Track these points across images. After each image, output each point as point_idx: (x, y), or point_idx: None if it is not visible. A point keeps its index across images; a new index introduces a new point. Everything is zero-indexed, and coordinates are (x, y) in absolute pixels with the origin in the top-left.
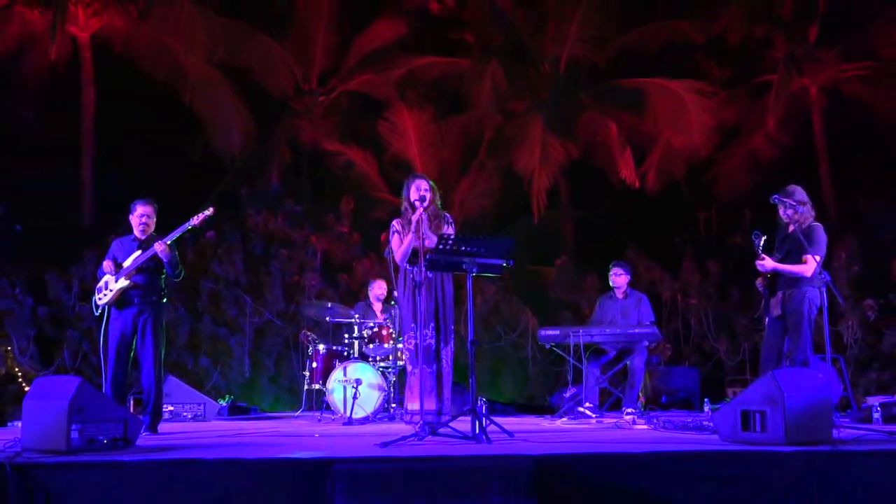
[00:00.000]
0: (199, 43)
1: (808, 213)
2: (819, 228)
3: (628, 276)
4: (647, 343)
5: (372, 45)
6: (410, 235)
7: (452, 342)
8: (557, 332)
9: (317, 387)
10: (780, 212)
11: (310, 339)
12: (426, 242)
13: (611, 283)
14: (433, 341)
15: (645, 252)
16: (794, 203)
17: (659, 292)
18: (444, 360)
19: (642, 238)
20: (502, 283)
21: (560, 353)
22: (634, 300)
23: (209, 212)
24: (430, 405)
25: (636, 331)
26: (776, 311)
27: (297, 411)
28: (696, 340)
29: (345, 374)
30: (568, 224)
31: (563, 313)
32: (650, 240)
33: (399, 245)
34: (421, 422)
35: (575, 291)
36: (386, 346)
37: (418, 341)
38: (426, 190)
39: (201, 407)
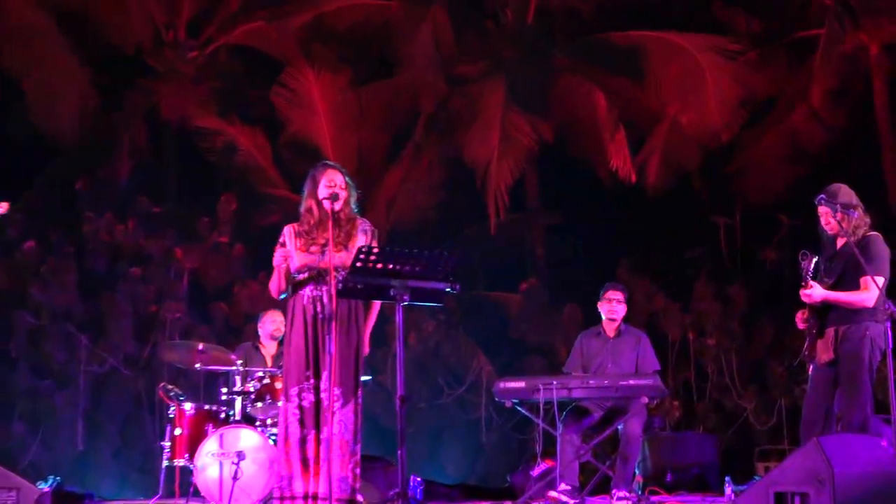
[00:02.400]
0: None
1: (861, 221)
2: (877, 240)
3: (625, 306)
4: (647, 400)
5: None
6: (296, 256)
7: (359, 401)
8: (522, 385)
9: (181, 463)
10: (822, 222)
11: (171, 394)
12: (337, 258)
13: (601, 315)
14: (324, 396)
15: (644, 273)
16: (840, 207)
17: (663, 328)
18: (339, 424)
19: (640, 253)
20: (445, 317)
21: (525, 413)
22: (631, 340)
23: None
24: (306, 486)
25: (632, 382)
26: (825, 356)
27: (151, 499)
28: (715, 396)
29: (221, 446)
30: (538, 234)
31: (531, 358)
32: (651, 256)
33: (280, 263)
34: None
35: (547, 327)
36: (280, 404)
37: (301, 401)
38: (340, 186)
39: (13, 495)
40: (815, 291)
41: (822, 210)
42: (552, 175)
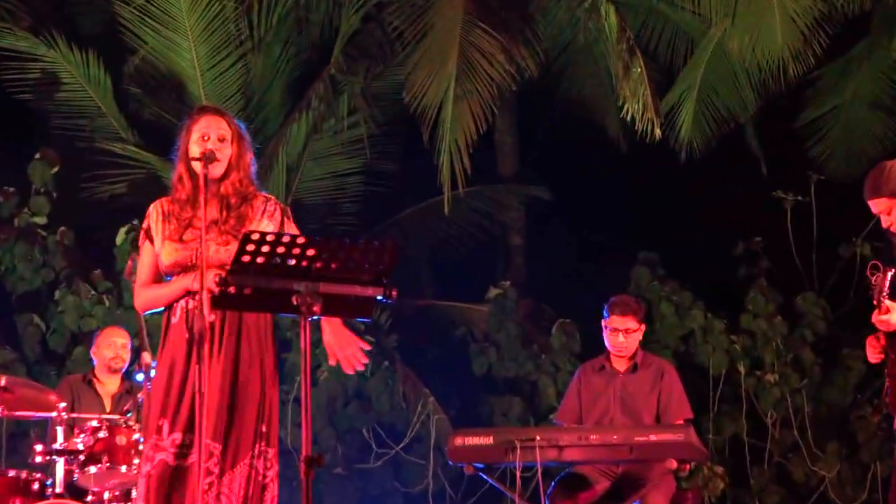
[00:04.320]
0: None
1: None
2: None
3: (642, 327)
4: (674, 465)
5: None
6: (164, 249)
7: (266, 463)
8: (489, 441)
9: None
10: (883, 223)
11: None
12: (217, 254)
13: (605, 342)
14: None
15: (672, 275)
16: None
17: (701, 358)
18: (223, 499)
19: (667, 246)
20: (376, 339)
21: (493, 484)
22: (651, 376)
23: None
24: None
25: (654, 438)
26: None
27: None
28: (778, 459)
29: None
30: (514, 216)
31: (503, 401)
32: (683, 250)
33: (147, 265)
34: None
35: (528, 354)
36: (125, 469)
37: (153, 463)
38: (220, 139)
39: None
40: (894, 315)
41: (875, 207)
42: (536, 127)
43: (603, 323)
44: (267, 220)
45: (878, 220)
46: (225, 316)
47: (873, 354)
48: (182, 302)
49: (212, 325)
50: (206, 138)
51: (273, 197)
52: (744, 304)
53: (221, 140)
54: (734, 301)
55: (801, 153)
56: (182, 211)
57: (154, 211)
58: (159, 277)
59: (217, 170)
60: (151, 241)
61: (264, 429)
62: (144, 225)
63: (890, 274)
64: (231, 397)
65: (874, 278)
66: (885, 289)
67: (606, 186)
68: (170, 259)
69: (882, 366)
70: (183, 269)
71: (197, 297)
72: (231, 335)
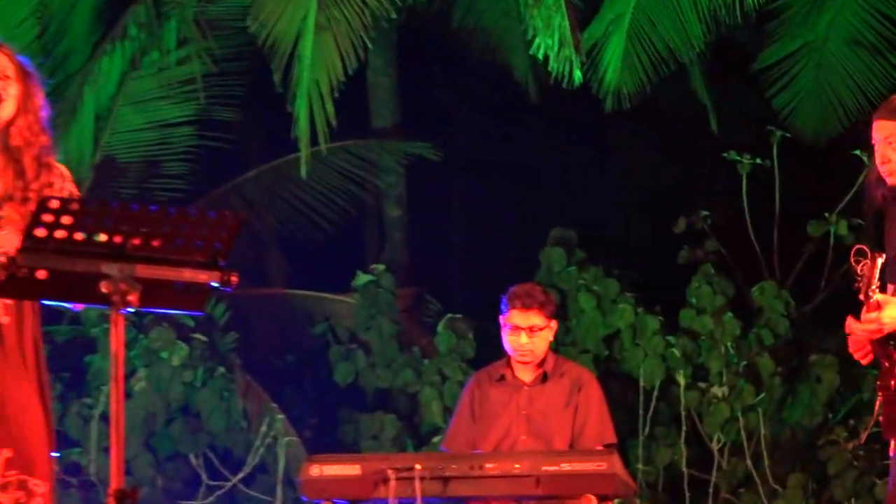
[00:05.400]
0: None
1: None
2: None
3: (551, 324)
4: (594, 502)
5: None
6: None
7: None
8: (356, 472)
9: None
10: (878, 158)
11: None
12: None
13: (505, 345)
14: None
15: (592, 258)
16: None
17: (628, 365)
18: None
19: (586, 222)
20: (207, 338)
21: None
22: (564, 388)
23: None
24: None
25: (568, 467)
26: None
27: None
28: (727, 495)
29: None
30: (391, 179)
31: (373, 418)
32: (606, 227)
33: None
34: None
35: (406, 359)
36: None
37: None
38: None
39: None
40: (889, 312)
41: (881, 130)
42: (420, 68)
43: (501, 319)
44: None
45: (856, 189)
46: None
47: (860, 354)
48: None
49: None
50: None
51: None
52: (685, 297)
53: (2, 77)
54: (673, 293)
55: (762, 104)
56: None
57: None
58: None
59: (6, 110)
60: None
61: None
62: None
63: (880, 261)
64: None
65: (860, 267)
66: (875, 280)
67: (511, 144)
68: None
69: (857, 377)
70: None
71: None
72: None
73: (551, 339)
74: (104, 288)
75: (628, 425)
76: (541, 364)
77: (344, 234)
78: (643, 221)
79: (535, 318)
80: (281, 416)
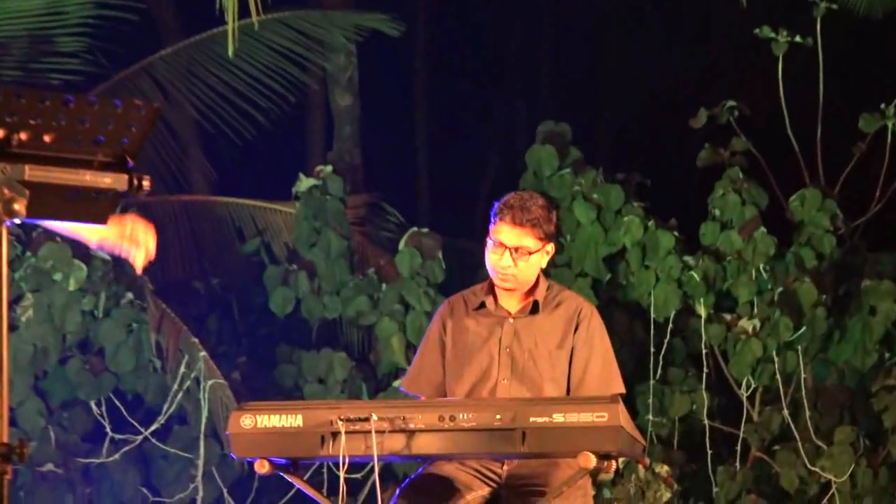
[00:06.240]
0: None
1: None
2: None
3: (545, 247)
4: (592, 461)
5: None
6: None
7: None
8: (296, 423)
9: None
10: None
11: None
12: None
13: (487, 265)
14: None
15: (591, 158)
16: None
17: (637, 292)
18: None
19: (583, 113)
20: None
21: (303, 491)
22: (560, 320)
23: None
24: None
25: (562, 418)
26: None
27: None
28: (758, 453)
29: None
30: (341, 60)
31: (318, 356)
32: (609, 119)
33: None
34: None
35: (357, 280)
36: None
37: None
38: None
39: None
40: None
41: None
42: None
43: (489, 233)
44: None
45: None
46: None
47: None
48: None
49: None
50: None
51: None
52: (706, 208)
53: None
54: (692, 203)
55: None
56: None
57: None
58: None
59: None
60: None
61: None
62: None
63: None
64: None
65: None
66: None
67: (483, 13)
68: None
69: None
70: None
71: None
72: None
73: (543, 265)
74: None
75: (636, 367)
76: (531, 292)
77: (282, 128)
78: (654, 113)
79: (527, 239)
80: (203, 354)
